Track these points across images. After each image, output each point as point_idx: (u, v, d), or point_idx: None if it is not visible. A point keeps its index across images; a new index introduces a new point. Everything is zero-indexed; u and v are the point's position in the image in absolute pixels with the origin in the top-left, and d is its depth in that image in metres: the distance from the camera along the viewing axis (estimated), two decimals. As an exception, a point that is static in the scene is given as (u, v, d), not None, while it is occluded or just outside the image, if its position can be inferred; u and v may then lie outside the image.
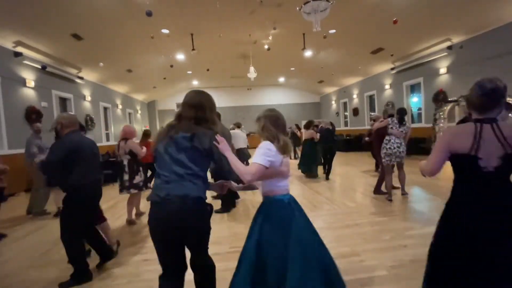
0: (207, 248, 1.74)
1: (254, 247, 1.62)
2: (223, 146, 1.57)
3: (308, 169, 7.17)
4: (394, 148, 4.50)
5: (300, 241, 1.58)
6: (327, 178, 6.73)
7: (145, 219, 4.32)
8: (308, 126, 7.49)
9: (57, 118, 2.57)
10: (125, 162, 3.98)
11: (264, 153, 1.58)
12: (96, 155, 2.67)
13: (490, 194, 1.35)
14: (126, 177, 3.96)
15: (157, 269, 2.64)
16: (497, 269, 1.32)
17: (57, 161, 2.36)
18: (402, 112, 4.82)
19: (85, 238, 2.67)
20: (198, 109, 1.64)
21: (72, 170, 2.41)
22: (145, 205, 5.12)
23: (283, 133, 1.69)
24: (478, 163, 1.33)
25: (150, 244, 3.27)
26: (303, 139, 7.58)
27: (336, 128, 16.82)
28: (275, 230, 1.61)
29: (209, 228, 1.67)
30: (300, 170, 7.43)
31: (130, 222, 4.16)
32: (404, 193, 4.77)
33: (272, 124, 1.67)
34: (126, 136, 4.03)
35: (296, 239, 1.57)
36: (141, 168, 4.13)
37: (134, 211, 4.34)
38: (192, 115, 1.62)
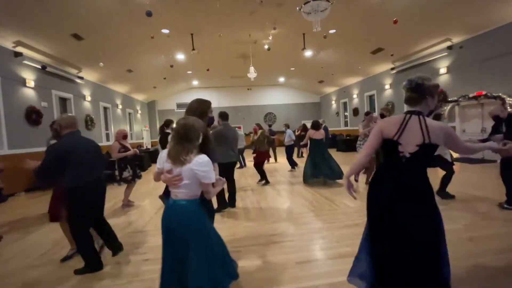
0: None
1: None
2: None
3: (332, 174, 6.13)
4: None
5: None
6: None
7: (144, 220, 4.33)
8: (318, 125, 6.60)
9: (57, 120, 2.69)
10: (116, 160, 4.87)
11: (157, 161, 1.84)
12: (94, 154, 2.74)
13: (403, 176, 1.59)
14: (117, 173, 4.87)
15: (157, 269, 2.65)
16: (410, 239, 1.52)
17: (48, 165, 2.43)
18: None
19: (95, 231, 2.85)
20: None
21: (66, 172, 2.47)
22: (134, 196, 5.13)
23: (185, 142, 1.70)
24: (398, 148, 1.58)
25: (150, 244, 3.28)
26: (313, 139, 6.52)
27: (336, 128, 17.02)
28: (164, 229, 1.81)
29: None
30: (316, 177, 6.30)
31: (126, 205, 5.07)
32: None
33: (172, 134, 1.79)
34: (115, 138, 5.02)
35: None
36: (128, 166, 4.93)
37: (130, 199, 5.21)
38: None
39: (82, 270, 2.59)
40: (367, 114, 5.99)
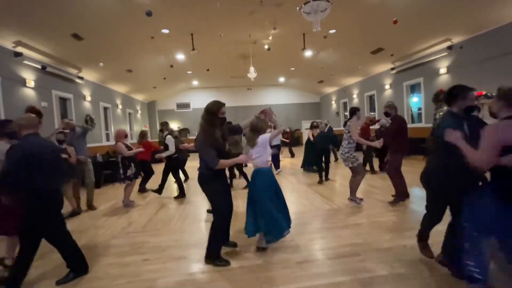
0: (213, 206, 2.77)
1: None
2: None
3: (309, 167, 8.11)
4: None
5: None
6: (326, 179, 6.69)
7: (144, 220, 4.33)
8: (311, 126, 8.15)
9: (16, 120, 2.45)
10: (119, 159, 4.99)
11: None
12: (59, 158, 2.65)
13: None
14: (121, 171, 4.95)
15: (157, 269, 2.65)
16: None
17: (15, 169, 2.22)
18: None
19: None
20: None
21: (34, 175, 2.27)
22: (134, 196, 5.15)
23: (255, 131, 2.83)
24: None
25: (150, 244, 3.28)
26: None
27: (336, 128, 17.00)
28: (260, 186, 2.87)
29: (210, 190, 2.72)
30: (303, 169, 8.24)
31: (127, 205, 5.12)
32: (349, 198, 4.69)
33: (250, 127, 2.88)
34: (116, 138, 5.09)
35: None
36: (132, 164, 5.00)
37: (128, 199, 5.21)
38: None
39: (68, 277, 2.49)
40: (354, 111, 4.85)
